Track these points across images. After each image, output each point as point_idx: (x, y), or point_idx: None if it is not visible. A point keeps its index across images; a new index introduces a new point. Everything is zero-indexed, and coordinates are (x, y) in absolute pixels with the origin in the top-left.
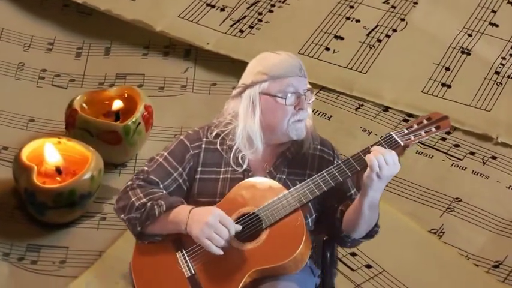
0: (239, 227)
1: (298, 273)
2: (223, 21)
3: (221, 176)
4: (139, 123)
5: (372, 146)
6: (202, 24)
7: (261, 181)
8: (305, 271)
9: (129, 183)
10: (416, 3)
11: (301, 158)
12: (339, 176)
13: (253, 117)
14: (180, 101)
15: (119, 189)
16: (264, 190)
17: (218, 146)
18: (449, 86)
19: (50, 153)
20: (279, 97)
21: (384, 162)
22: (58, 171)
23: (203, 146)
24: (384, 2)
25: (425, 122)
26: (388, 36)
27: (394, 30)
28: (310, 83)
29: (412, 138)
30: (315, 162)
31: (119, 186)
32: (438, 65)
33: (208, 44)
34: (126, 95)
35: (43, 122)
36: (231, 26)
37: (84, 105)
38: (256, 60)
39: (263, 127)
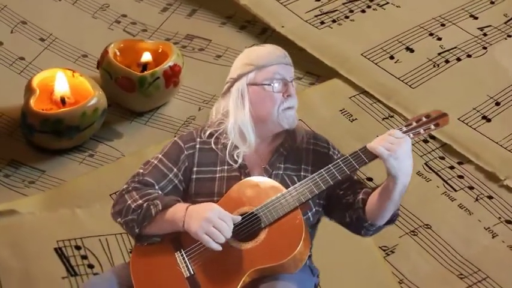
0: (238, 218)
1: (298, 273)
2: (312, 10)
3: (217, 175)
4: (157, 77)
5: (363, 148)
6: (288, 8)
7: (259, 180)
8: (304, 271)
9: (124, 186)
10: (510, 36)
11: (296, 152)
12: (337, 175)
13: (243, 109)
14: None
15: (123, 133)
16: (262, 189)
17: (213, 146)
18: (488, 120)
19: (59, 83)
20: (266, 85)
21: (388, 142)
22: (62, 101)
23: (197, 146)
24: (479, 28)
25: (424, 119)
26: (458, 59)
27: (469, 56)
28: (353, 83)
29: (411, 136)
30: (309, 156)
31: (126, 132)
32: (491, 98)
33: (283, 27)
34: (160, 50)
35: (93, 59)
36: (316, 16)
37: (116, 51)
38: (242, 54)
39: (254, 118)
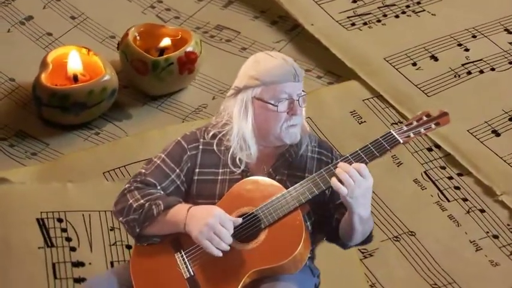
0: (239, 220)
1: (298, 274)
2: (346, 11)
3: (219, 177)
4: (171, 63)
5: (363, 148)
6: (322, 7)
7: (259, 181)
8: (304, 271)
9: (126, 185)
10: None
11: (300, 160)
12: None
13: (246, 121)
14: None
15: (133, 115)
16: (262, 190)
17: (215, 147)
18: (498, 135)
19: (73, 60)
20: (271, 104)
21: (351, 181)
22: (75, 78)
23: (200, 147)
24: (510, 43)
25: (424, 118)
26: (481, 72)
27: (492, 69)
28: (369, 86)
29: (412, 135)
30: (313, 165)
31: (136, 114)
32: (505, 113)
33: (312, 25)
34: (179, 36)
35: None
36: (348, 17)
37: (136, 34)
38: (250, 63)
39: (256, 131)
